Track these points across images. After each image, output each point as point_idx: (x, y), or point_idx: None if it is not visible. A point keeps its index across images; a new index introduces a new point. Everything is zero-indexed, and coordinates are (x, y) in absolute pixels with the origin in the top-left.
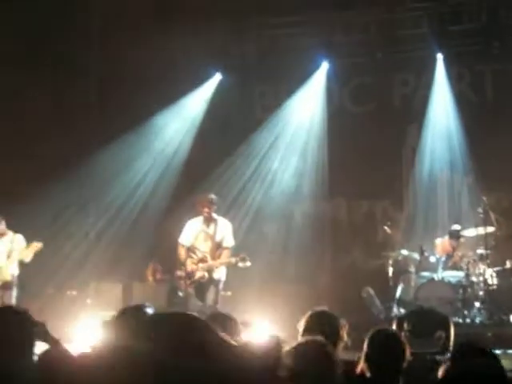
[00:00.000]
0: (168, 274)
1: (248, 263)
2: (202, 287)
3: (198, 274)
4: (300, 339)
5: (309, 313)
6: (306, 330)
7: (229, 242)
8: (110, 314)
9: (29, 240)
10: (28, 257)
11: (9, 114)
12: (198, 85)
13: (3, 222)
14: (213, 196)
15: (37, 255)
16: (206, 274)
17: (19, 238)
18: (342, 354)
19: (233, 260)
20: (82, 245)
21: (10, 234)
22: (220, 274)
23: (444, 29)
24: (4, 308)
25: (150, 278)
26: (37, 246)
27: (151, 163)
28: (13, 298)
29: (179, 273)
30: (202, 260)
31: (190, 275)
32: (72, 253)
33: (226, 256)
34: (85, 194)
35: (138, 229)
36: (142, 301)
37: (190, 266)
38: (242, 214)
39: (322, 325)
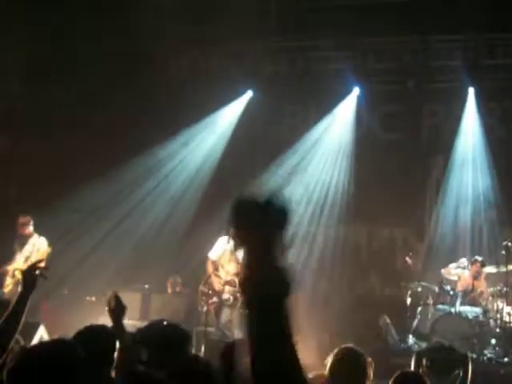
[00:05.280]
0: (188, 288)
1: None
2: (219, 306)
3: (224, 297)
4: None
5: (336, 350)
6: (333, 368)
7: None
8: (127, 322)
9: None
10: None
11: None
12: (229, 102)
13: (31, 224)
14: None
15: (58, 258)
16: (232, 298)
17: (41, 242)
18: None
19: None
20: (103, 251)
21: (35, 236)
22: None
23: (477, 62)
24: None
25: (170, 291)
26: (46, 251)
27: (178, 175)
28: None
29: (203, 288)
30: (229, 283)
31: (215, 294)
32: (93, 258)
33: None
34: (110, 200)
35: (161, 241)
36: (159, 312)
37: (217, 284)
38: None
39: (349, 363)
